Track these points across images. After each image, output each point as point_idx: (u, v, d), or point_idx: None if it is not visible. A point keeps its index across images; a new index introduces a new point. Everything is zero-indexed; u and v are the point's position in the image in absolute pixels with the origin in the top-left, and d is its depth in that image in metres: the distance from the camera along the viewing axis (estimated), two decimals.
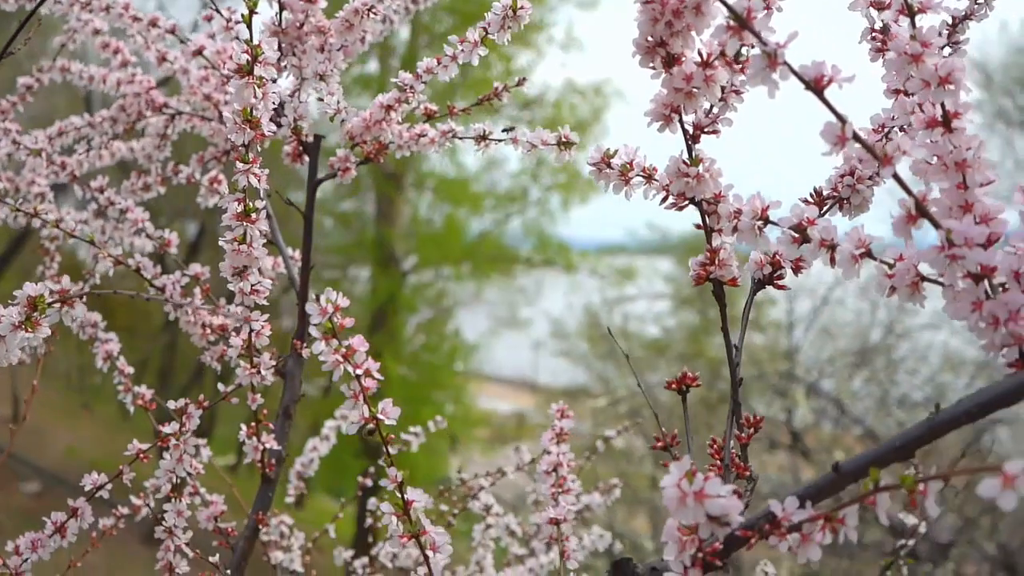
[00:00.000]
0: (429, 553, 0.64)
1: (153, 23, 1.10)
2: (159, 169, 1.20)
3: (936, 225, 0.51)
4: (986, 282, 0.52)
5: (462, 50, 0.87)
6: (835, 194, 0.68)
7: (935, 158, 0.54)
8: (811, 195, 0.69)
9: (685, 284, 11.33)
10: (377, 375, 0.62)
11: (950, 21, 0.73)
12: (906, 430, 0.50)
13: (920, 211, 0.51)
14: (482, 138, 0.93)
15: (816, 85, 0.50)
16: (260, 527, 0.98)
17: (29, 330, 0.66)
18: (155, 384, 1.55)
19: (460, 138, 0.95)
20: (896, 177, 0.51)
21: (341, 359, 0.61)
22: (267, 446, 0.96)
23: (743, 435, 0.62)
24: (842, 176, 0.68)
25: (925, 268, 0.54)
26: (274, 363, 0.90)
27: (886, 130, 0.68)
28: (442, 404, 10.29)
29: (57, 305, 0.67)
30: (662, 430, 0.64)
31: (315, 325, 0.61)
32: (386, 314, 11.30)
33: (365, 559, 1.32)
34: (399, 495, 0.64)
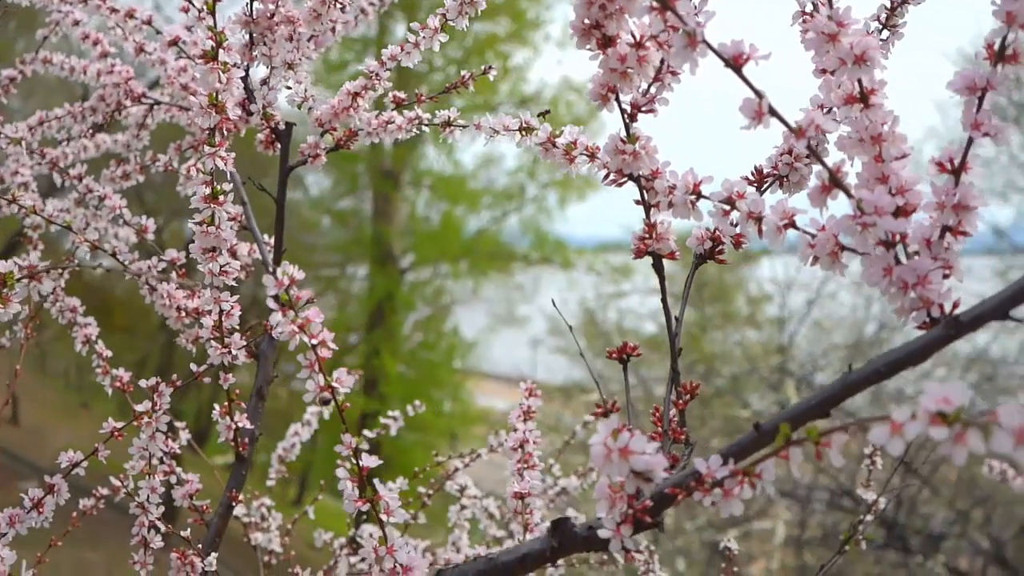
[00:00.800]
0: (384, 516, 0.67)
1: (130, 15, 1.12)
2: (138, 158, 1.23)
3: (848, 195, 0.53)
4: (901, 249, 0.55)
5: (423, 36, 0.90)
6: (775, 172, 0.71)
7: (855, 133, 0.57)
8: (751, 173, 0.71)
9: (683, 281, 11.36)
10: (332, 345, 0.65)
11: (889, 4, 0.75)
12: (822, 388, 0.53)
13: (834, 182, 0.54)
14: (447, 124, 0.96)
15: (735, 63, 0.53)
16: (233, 504, 1.01)
17: (2, 304, 0.69)
18: None
19: (426, 125, 0.98)
20: (810, 149, 0.54)
21: (297, 329, 0.64)
22: (240, 425, 0.99)
23: (680, 401, 0.65)
24: (781, 155, 0.71)
25: (846, 238, 0.57)
26: (245, 343, 0.93)
27: (825, 110, 0.71)
28: (440, 402, 10.32)
29: (25, 280, 0.69)
30: (602, 397, 0.67)
31: (272, 297, 0.63)
32: (384, 312, 11.33)
33: (343, 539, 1.35)
34: (355, 462, 0.67)
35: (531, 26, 11.74)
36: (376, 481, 0.67)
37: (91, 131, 1.21)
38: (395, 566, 0.65)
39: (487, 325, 12.93)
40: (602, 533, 0.57)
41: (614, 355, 0.68)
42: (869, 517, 1.08)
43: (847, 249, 0.56)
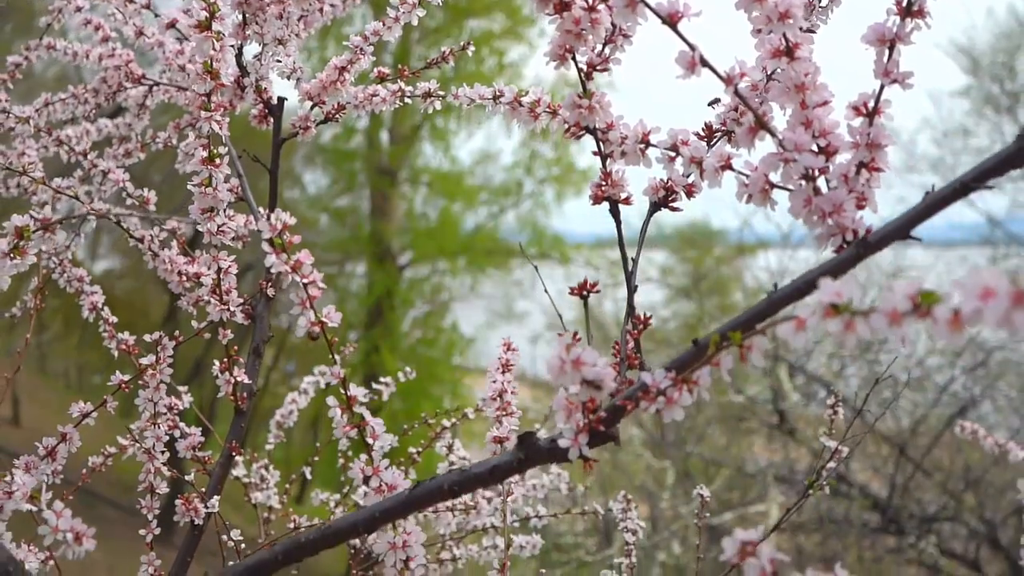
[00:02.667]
0: (369, 440, 0.74)
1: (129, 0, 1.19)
2: (139, 137, 1.30)
3: (773, 135, 0.60)
4: (823, 183, 0.62)
5: (403, 11, 0.97)
6: (723, 128, 0.78)
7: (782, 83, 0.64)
8: (702, 128, 0.78)
9: (681, 274, 11.47)
10: (321, 284, 0.72)
11: None
12: (750, 307, 0.60)
13: (760, 124, 0.61)
14: (428, 95, 1.03)
15: (671, 20, 0.60)
16: (234, 455, 1.08)
17: (16, 256, 0.76)
18: None
19: (410, 97, 1.05)
20: (738, 94, 0.60)
21: (290, 269, 0.71)
22: (238, 380, 1.06)
23: (635, 331, 0.72)
24: (728, 112, 0.78)
25: (774, 176, 0.64)
26: (242, 300, 1.00)
27: (768, 71, 0.78)
28: (440, 398, 10.39)
29: (40, 232, 0.76)
30: (564, 329, 0.74)
31: (266, 240, 0.70)
32: (383, 309, 11.40)
33: (338, 495, 1.42)
34: (343, 391, 0.74)
35: (526, 22, 11.80)
36: (364, 410, 0.74)
37: (94, 112, 1.28)
38: (380, 484, 0.72)
39: (485, 321, 12.98)
40: (562, 443, 0.64)
41: (575, 292, 0.75)
42: (831, 464, 1.15)
43: (775, 186, 0.63)
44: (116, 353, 1.16)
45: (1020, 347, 6.72)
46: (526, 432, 0.67)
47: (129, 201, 1.17)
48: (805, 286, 0.58)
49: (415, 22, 0.97)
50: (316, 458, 1.51)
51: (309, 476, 1.44)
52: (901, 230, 0.56)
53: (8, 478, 0.76)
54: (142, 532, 1.03)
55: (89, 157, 1.21)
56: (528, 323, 12.87)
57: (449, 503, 1.26)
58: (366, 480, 0.73)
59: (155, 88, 1.29)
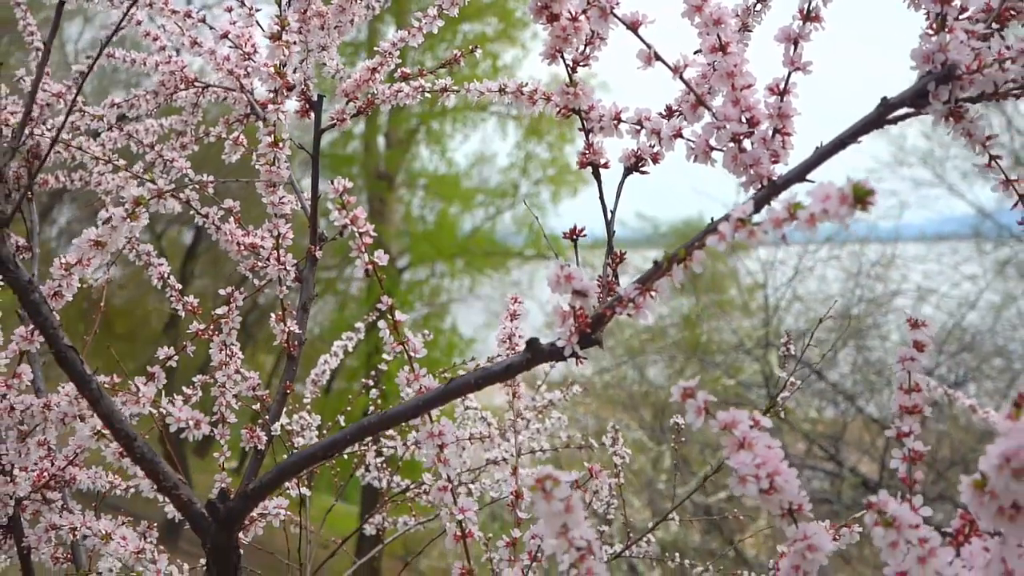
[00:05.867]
0: (412, 353, 0.96)
1: (187, 15, 1.41)
2: (193, 132, 1.52)
3: (708, 109, 0.82)
4: (747, 142, 0.84)
5: (425, 22, 1.19)
6: (679, 108, 1.00)
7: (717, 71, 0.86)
8: (665, 109, 1.00)
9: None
10: (373, 233, 0.94)
11: None
12: (699, 232, 0.82)
13: (699, 101, 0.83)
14: (443, 90, 1.25)
15: (633, 26, 0.82)
16: (288, 392, 1.30)
17: (133, 220, 0.98)
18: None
19: (428, 92, 1.27)
20: (684, 81, 0.83)
21: (349, 222, 0.93)
22: (291, 330, 1.27)
23: (613, 264, 0.94)
24: (681, 95, 0.99)
25: (712, 141, 0.86)
26: (296, 262, 1.22)
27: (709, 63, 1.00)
28: None
29: (154, 200, 0.98)
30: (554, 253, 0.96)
31: (331, 199, 0.92)
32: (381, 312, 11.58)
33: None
34: (391, 316, 0.96)
35: (519, 25, 12.04)
36: (408, 331, 0.96)
37: (156, 111, 1.49)
38: (420, 387, 0.94)
39: (484, 322, 13.16)
40: (559, 343, 0.85)
41: (567, 235, 0.97)
42: (785, 393, 1.36)
43: (713, 148, 0.85)
44: (183, 313, 1.38)
45: (1002, 332, 6.96)
46: (532, 338, 0.89)
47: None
48: (755, 209, 0.80)
49: (436, 30, 1.19)
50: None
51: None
52: (799, 176, 0.78)
53: (133, 389, 0.98)
54: (216, 455, 1.25)
55: (156, 148, 1.43)
56: (527, 323, 13.00)
57: (467, 434, 1.48)
58: (409, 384, 0.95)
59: (206, 90, 1.51)
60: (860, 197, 0.60)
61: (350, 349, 1.75)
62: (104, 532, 1.02)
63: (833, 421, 6.88)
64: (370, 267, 0.94)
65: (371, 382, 1.82)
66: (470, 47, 1.29)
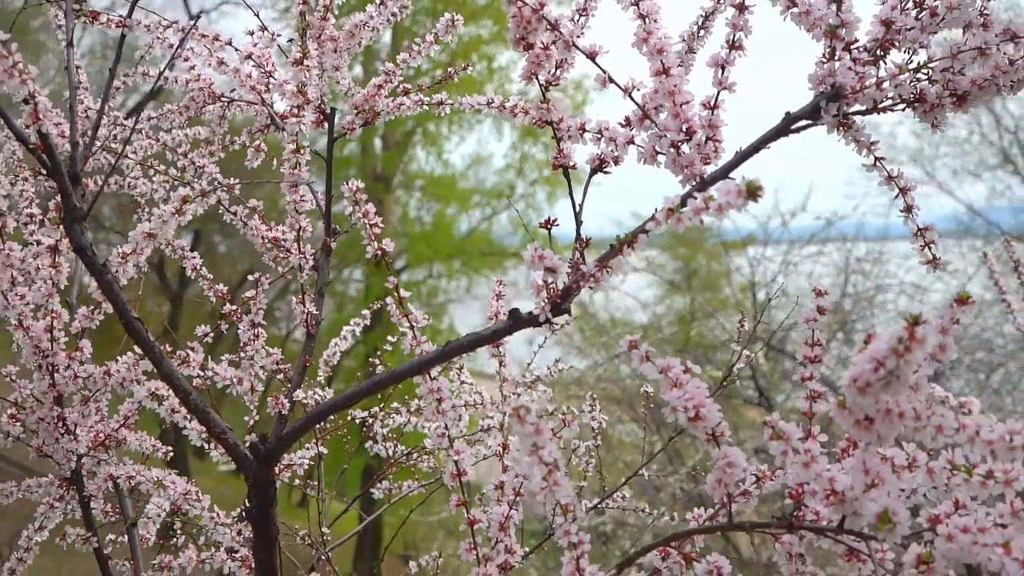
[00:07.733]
0: (413, 322, 1.16)
1: (216, 38, 1.61)
2: (220, 141, 1.72)
3: (652, 121, 1.03)
4: (685, 147, 1.04)
5: (423, 46, 1.40)
6: (637, 119, 1.20)
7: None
8: (624, 120, 1.20)
9: (672, 271, 11.95)
10: (381, 225, 1.14)
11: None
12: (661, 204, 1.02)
13: (645, 115, 1.03)
14: (440, 103, 1.45)
15: (591, 55, 1.02)
16: (307, 366, 1.50)
17: (180, 215, 1.18)
18: None
19: (428, 105, 1.47)
20: (632, 99, 1.03)
21: (362, 216, 1.13)
22: (310, 311, 1.47)
23: (580, 247, 1.14)
24: (634, 111, 1.20)
25: (657, 147, 1.06)
26: (314, 252, 1.42)
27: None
28: None
29: (200, 198, 1.18)
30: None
31: (347, 197, 1.12)
32: (381, 313, 11.77)
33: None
34: (397, 293, 1.16)
35: None
36: (411, 307, 1.16)
37: (187, 122, 1.69)
38: (422, 351, 1.14)
39: (482, 322, 13.32)
40: (534, 310, 1.06)
41: (542, 225, 1.17)
42: (740, 365, 1.56)
43: (659, 152, 1.06)
44: (213, 299, 1.58)
45: (980, 322, 7.17)
46: (514, 308, 1.09)
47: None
48: (706, 184, 1.00)
49: (433, 54, 1.39)
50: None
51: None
52: (723, 174, 0.99)
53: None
54: (246, 419, 1.45)
55: (189, 156, 1.63)
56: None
57: (463, 401, 1.68)
58: (413, 350, 1.15)
59: (231, 104, 1.71)
60: (752, 192, 0.80)
61: (358, 334, 1.95)
62: (156, 479, 1.22)
63: (823, 416, 7.08)
64: (379, 252, 1.14)
65: (372, 369, 2.03)
66: (463, 65, 1.50)
